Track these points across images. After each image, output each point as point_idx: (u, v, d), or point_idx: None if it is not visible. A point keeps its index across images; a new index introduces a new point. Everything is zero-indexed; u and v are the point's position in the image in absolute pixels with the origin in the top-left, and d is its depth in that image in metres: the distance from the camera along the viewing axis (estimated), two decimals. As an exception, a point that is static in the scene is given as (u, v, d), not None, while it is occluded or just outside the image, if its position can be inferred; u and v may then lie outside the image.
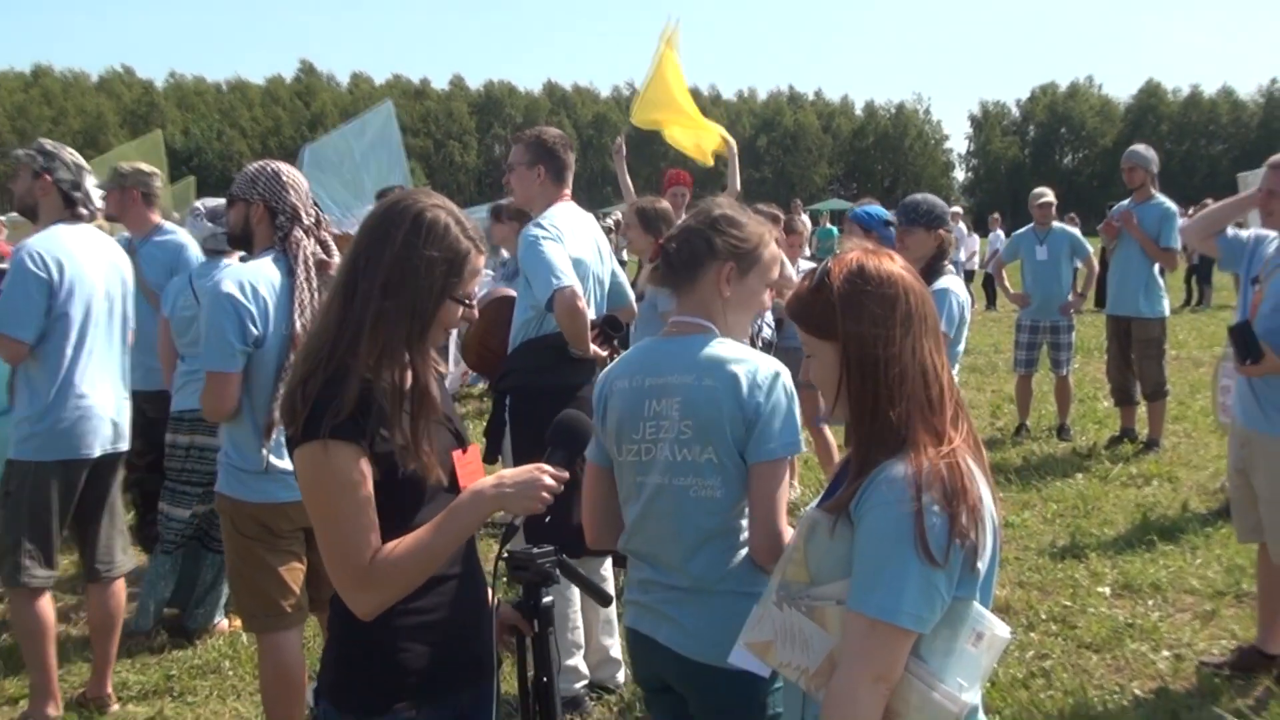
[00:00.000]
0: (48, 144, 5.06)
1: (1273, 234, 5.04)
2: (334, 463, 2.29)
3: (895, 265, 2.33)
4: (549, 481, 2.44)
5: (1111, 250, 10.02)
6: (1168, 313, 9.81)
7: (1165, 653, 5.45)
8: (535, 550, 2.57)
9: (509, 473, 2.45)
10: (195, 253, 6.10)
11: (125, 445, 5.15)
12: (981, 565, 2.15)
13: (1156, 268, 9.65)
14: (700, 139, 9.31)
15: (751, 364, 2.79)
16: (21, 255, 4.75)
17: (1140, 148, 9.86)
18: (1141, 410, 10.10)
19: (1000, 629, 2.23)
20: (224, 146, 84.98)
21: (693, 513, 2.81)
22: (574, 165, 5.25)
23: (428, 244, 2.39)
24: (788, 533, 2.70)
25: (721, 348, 2.84)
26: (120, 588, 5.24)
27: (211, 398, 3.98)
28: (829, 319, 2.28)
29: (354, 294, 2.39)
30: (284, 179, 4.14)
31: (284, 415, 2.39)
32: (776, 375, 2.79)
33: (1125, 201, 9.80)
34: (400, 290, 2.37)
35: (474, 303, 2.56)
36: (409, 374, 2.42)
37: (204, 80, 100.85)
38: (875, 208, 6.23)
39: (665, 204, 6.69)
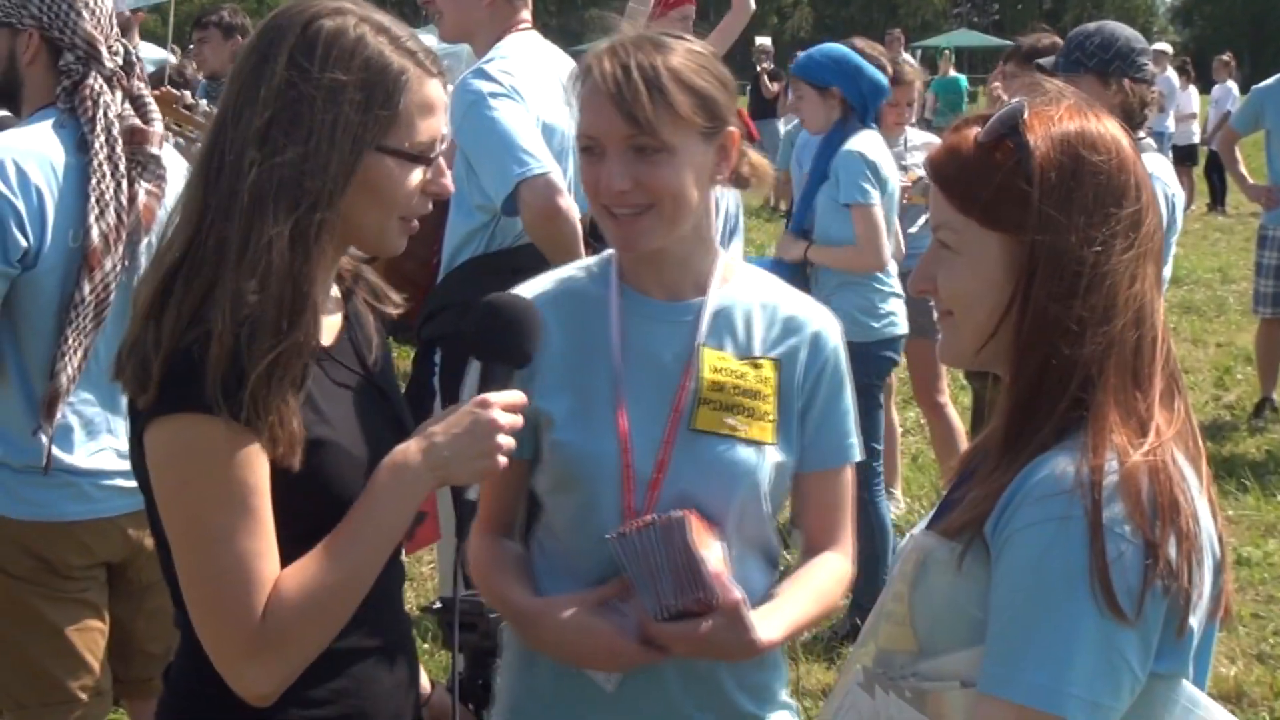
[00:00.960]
0: None
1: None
2: (210, 451, 2.23)
3: (1128, 140, 2.30)
4: (500, 417, 2.43)
5: None
6: None
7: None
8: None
9: (437, 422, 2.45)
10: None
11: None
12: (1195, 623, 2.15)
13: None
14: None
15: None
16: None
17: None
18: None
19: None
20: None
21: None
22: None
23: (327, 65, 2.34)
24: None
25: None
26: None
27: None
28: (1011, 196, 2.21)
29: (221, 166, 2.34)
30: None
31: (127, 376, 2.32)
32: None
33: None
34: (289, 143, 2.32)
35: (437, 160, 2.51)
36: (320, 298, 2.38)
37: None
38: (841, 50, 6.51)
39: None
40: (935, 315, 2.44)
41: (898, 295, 7.28)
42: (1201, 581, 2.13)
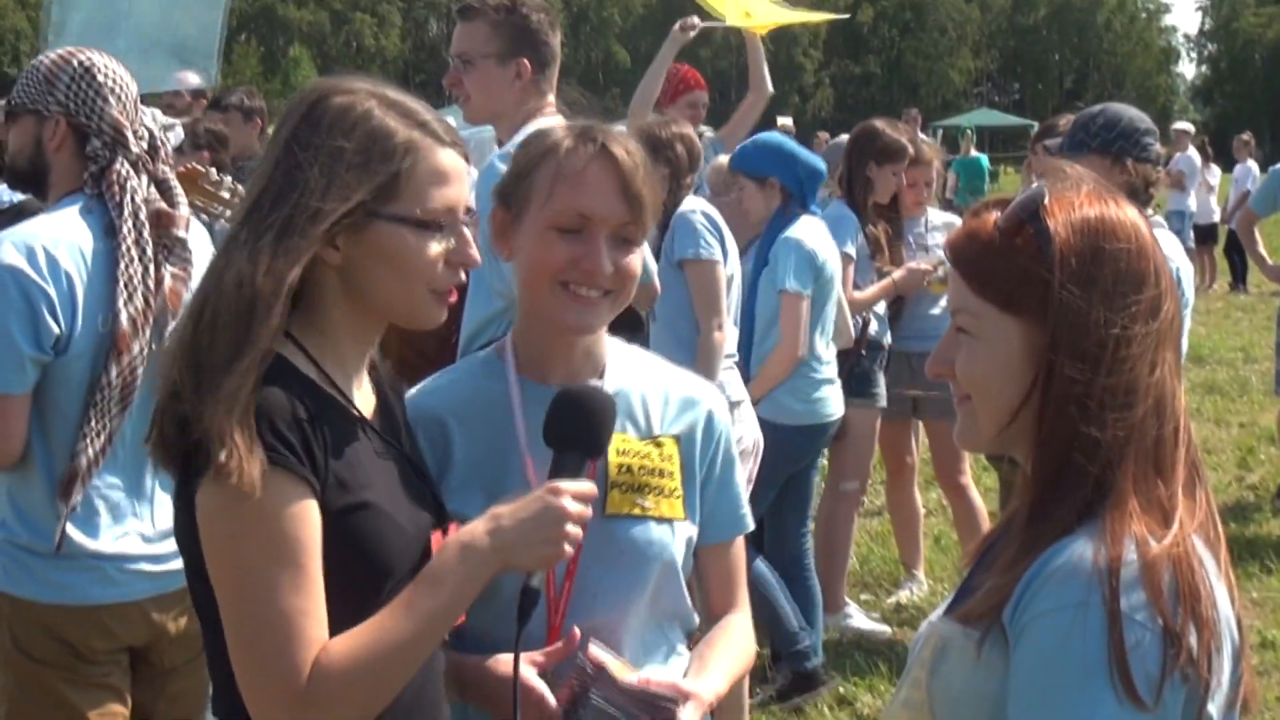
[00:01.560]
0: None
1: None
2: (265, 505, 2.23)
3: (1146, 225, 2.27)
4: (570, 505, 2.42)
5: None
6: None
7: None
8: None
9: (506, 506, 2.44)
10: None
11: None
12: (1214, 710, 2.13)
13: None
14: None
15: None
16: None
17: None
18: None
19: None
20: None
21: None
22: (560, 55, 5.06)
23: (328, 132, 2.38)
24: None
25: None
26: None
27: None
28: (1030, 282, 2.18)
29: (241, 228, 2.39)
30: (99, 77, 4.05)
31: (162, 436, 2.34)
32: None
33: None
34: (289, 202, 2.35)
35: (459, 229, 2.50)
36: (347, 365, 2.46)
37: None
38: (775, 139, 6.55)
39: (683, 126, 6.95)
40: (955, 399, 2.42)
41: (830, 381, 7.31)
42: (1221, 669, 2.11)
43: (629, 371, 2.90)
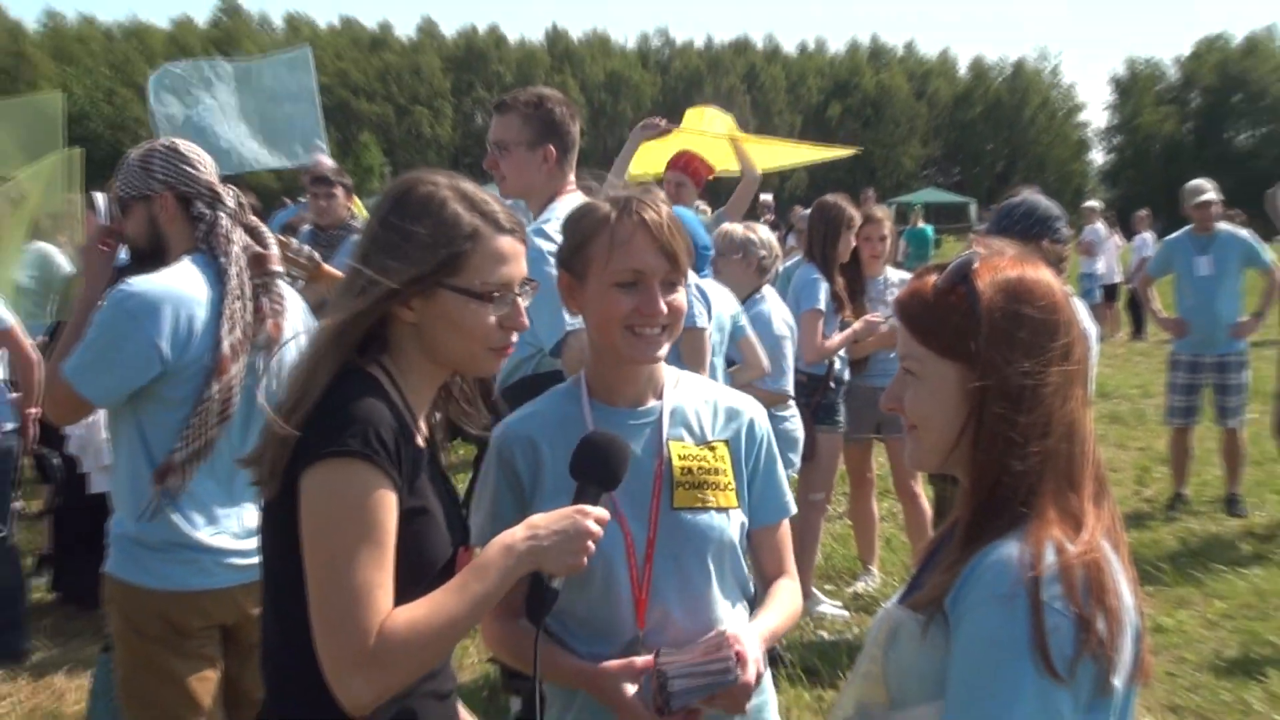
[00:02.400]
0: None
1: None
2: (366, 489, 2.33)
3: (1058, 285, 2.34)
4: (592, 527, 2.52)
5: None
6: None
7: None
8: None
9: (542, 519, 2.53)
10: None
11: None
12: (1118, 682, 2.14)
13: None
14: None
15: None
16: None
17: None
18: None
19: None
20: (115, 112, 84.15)
21: None
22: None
23: (410, 217, 2.50)
24: None
25: None
26: None
27: (63, 410, 4.12)
28: (963, 333, 2.25)
29: (343, 283, 2.54)
30: (184, 152, 4.12)
31: (271, 435, 2.43)
32: None
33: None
34: (381, 266, 2.48)
35: (514, 299, 2.60)
36: (418, 403, 2.57)
37: (91, 23, 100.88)
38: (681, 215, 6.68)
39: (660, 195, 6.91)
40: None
41: None
42: (1123, 649, 2.14)
43: (683, 390, 3.01)
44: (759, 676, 2.78)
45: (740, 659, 2.69)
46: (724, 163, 9.48)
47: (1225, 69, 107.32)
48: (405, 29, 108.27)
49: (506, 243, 2.56)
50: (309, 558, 2.34)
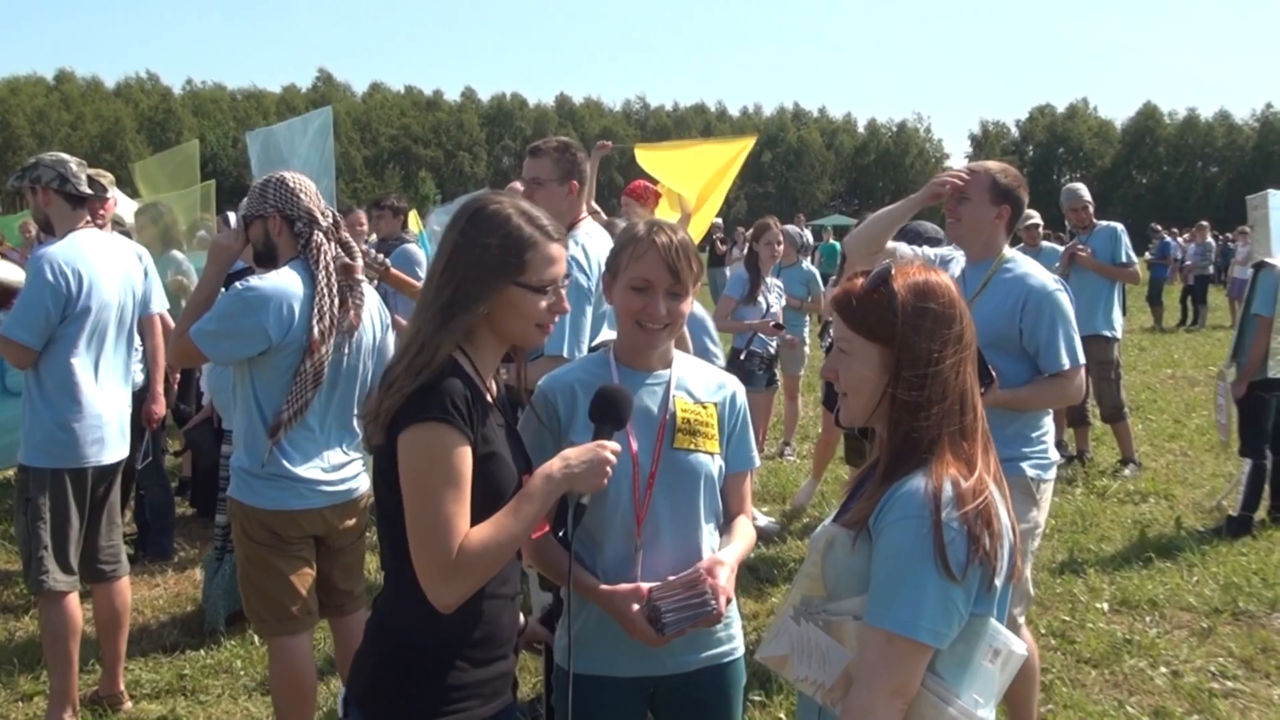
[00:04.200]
0: (30, 161, 5.08)
1: (954, 256, 4.57)
2: (447, 445, 2.34)
3: (954, 286, 2.34)
4: (610, 456, 2.53)
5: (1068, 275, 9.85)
6: (1121, 334, 9.76)
7: (1163, 669, 5.41)
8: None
9: (572, 452, 2.53)
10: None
11: (126, 451, 5.15)
12: (999, 583, 2.15)
13: (1116, 288, 9.68)
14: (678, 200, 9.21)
15: None
16: (41, 263, 4.74)
17: (1074, 187, 10.03)
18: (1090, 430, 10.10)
19: (1017, 646, 2.22)
20: (239, 154, 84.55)
21: None
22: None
23: (483, 231, 2.47)
24: None
25: None
26: (125, 585, 5.25)
27: (181, 358, 4.26)
28: (884, 322, 2.26)
29: (431, 284, 2.49)
30: (291, 185, 4.10)
31: (381, 399, 2.41)
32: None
33: (1073, 240, 9.94)
34: (460, 274, 2.45)
35: (555, 291, 2.57)
36: (487, 370, 2.55)
37: (222, 88, 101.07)
38: None
39: (620, 220, 6.94)
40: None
41: None
42: (1003, 558, 2.15)
43: (686, 365, 2.98)
44: (729, 600, 2.77)
45: (714, 591, 2.70)
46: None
47: (1053, 129, 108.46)
48: (452, 94, 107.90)
49: (555, 249, 2.54)
50: (406, 495, 2.35)
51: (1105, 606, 6.27)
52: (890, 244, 4.48)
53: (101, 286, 4.89)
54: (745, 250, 8.99)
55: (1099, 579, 6.73)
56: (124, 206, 8.73)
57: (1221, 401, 8.31)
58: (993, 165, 4.35)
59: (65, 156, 5.06)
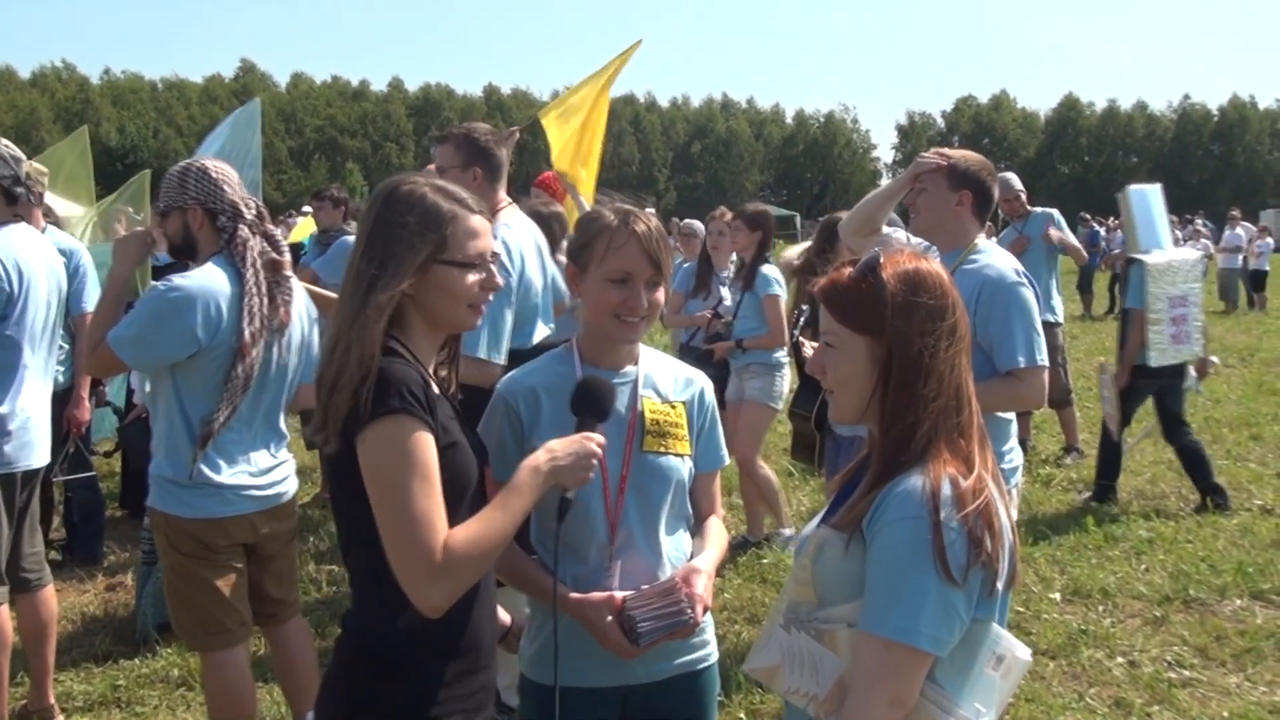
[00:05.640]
0: None
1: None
2: (411, 437, 2.19)
3: (947, 277, 2.23)
4: (597, 449, 2.45)
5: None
6: (1062, 319, 9.79)
7: (1120, 659, 5.39)
8: None
9: (557, 444, 2.43)
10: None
11: (48, 456, 4.91)
12: (1000, 586, 2.06)
13: (1055, 274, 9.70)
14: (574, 166, 9.00)
15: None
16: None
17: (1007, 176, 9.80)
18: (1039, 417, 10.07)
19: (1021, 651, 2.14)
20: (160, 145, 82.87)
21: None
22: (508, 162, 4.85)
23: (399, 211, 2.34)
24: None
25: None
26: (50, 594, 5.03)
27: (101, 367, 4.17)
28: (873, 314, 2.15)
29: (351, 272, 2.35)
30: (214, 175, 3.91)
31: (326, 402, 2.26)
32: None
33: (1007, 229, 9.90)
34: (380, 257, 2.31)
35: (488, 266, 2.43)
36: (425, 361, 2.41)
37: (140, 78, 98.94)
38: None
39: (558, 206, 6.92)
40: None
41: None
42: (1004, 560, 2.07)
43: (653, 362, 2.85)
44: (706, 609, 2.67)
45: (691, 599, 2.60)
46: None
47: (978, 120, 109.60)
48: (379, 84, 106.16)
49: (478, 220, 2.41)
50: (375, 498, 2.20)
51: (1058, 597, 6.25)
52: (886, 229, 4.37)
53: (36, 283, 4.66)
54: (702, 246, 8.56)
55: (1049, 569, 6.72)
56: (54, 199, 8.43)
57: (1107, 394, 8.52)
58: (958, 153, 4.18)
59: (21, 156, 4.82)
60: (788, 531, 7.30)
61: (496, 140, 4.75)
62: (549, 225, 6.34)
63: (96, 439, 7.87)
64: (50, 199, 6.72)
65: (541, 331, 4.88)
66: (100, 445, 8.35)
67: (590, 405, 2.55)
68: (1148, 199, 8.40)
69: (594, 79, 8.76)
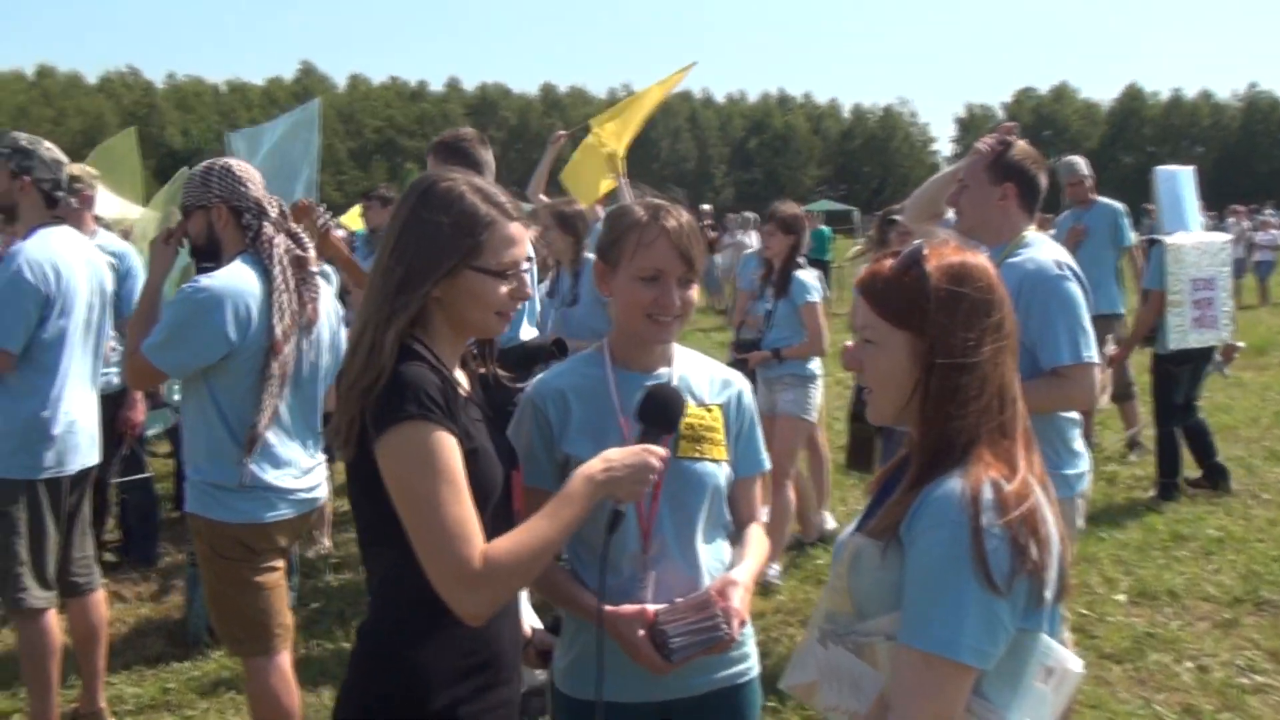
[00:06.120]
0: (23, 139, 4.70)
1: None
2: (432, 443, 2.11)
3: (993, 270, 2.11)
4: (657, 464, 2.33)
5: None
6: (1124, 310, 9.43)
7: (1188, 664, 5.23)
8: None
9: (615, 453, 2.32)
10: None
11: (98, 457, 4.90)
12: (1049, 595, 1.94)
13: (1115, 265, 9.36)
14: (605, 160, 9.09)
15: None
16: (19, 263, 4.46)
17: (1072, 160, 9.54)
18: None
19: (1073, 663, 2.02)
20: (223, 148, 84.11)
21: None
22: (494, 162, 4.87)
23: (434, 209, 2.24)
24: None
25: None
26: (100, 598, 5.02)
27: (140, 378, 4.15)
28: (915, 308, 2.03)
29: (379, 268, 2.26)
30: (238, 173, 3.88)
31: (342, 406, 2.20)
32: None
33: (1066, 213, 9.56)
34: (410, 255, 2.23)
35: (520, 275, 2.34)
36: (449, 363, 2.32)
37: (202, 81, 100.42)
38: None
39: (580, 205, 6.83)
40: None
41: None
42: (1051, 568, 1.94)
43: (688, 363, 2.75)
44: (743, 623, 2.56)
45: (727, 614, 2.48)
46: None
47: (1039, 111, 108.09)
48: (436, 84, 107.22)
49: (515, 228, 2.31)
50: (402, 508, 2.12)
51: (1123, 598, 6.07)
52: (944, 222, 4.25)
53: (76, 286, 4.64)
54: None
55: (1114, 570, 6.54)
56: (105, 200, 8.47)
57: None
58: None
59: (63, 159, 4.79)
60: (829, 520, 7.35)
61: (481, 142, 4.84)
62: (572, 224, 6.41)
63: (151, 434, 7.87)
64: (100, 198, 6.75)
65: (527, 333, 4.94)
66: (158, 445, 8.42)
67: (658, 415, 2.43)
68: (1177, 180, 8.30)
69: (642, 99, 8.97)
